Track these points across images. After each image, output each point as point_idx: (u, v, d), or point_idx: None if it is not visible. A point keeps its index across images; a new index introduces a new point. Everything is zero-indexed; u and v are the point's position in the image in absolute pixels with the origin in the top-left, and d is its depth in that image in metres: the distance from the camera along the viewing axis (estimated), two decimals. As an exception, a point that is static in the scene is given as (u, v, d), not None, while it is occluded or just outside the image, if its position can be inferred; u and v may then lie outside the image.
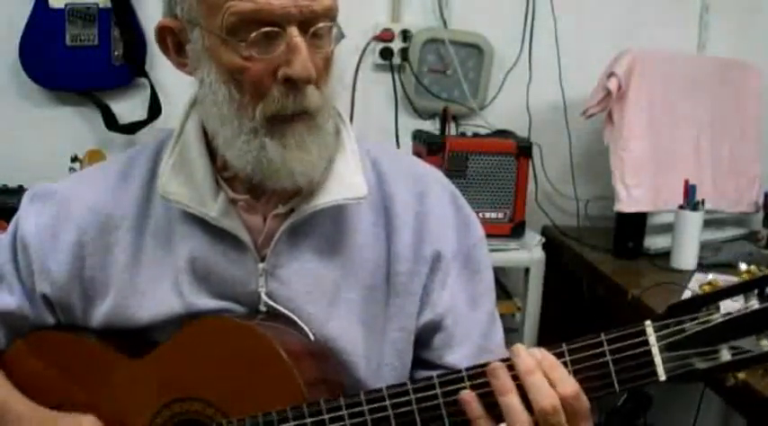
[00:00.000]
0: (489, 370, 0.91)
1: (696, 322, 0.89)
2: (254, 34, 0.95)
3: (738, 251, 2.25)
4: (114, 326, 1.10)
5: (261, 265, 1.07)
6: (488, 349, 1.13)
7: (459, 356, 1.12)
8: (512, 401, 0.89)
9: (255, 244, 1.08)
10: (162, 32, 1.05)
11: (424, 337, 1.13)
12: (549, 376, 0.89)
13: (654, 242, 2.25)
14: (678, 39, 2.56)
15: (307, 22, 0.97)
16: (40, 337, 1.14)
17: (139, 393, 1.06)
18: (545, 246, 2.30)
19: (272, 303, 1.07)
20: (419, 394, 0.94)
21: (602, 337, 0.91)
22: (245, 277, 1.08)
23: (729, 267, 2.12)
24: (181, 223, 1.08)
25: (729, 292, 0.89)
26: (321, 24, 0.98)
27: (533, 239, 2.29)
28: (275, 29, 0.95)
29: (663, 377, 0.89)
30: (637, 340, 0.90)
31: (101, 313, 1.11)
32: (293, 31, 0.96)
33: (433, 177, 1.18)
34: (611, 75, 2.22)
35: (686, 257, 2.11)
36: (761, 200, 2.41)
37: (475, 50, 2.46)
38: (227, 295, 1.08)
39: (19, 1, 2.26)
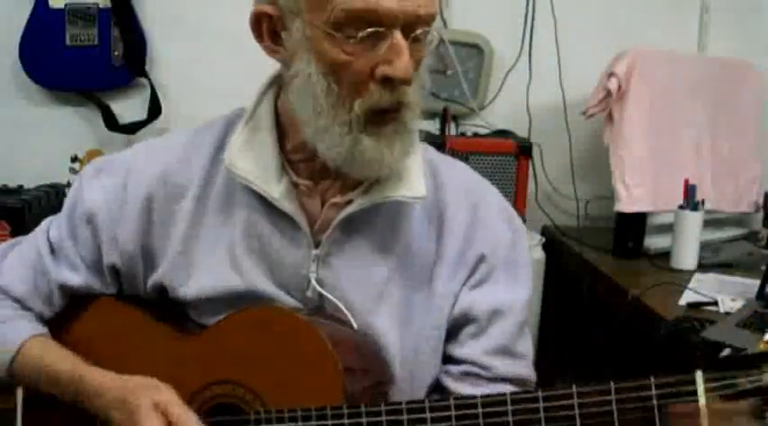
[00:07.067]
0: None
1: (749, 378, 0.88)
2: (361, 32, 0.97)
3: (738, 251, 2.25)
4: (163, 296, 1.12)
5: (314, 251, 1.09)
6: (512, 353, 1.14)
7: (480, 348, 1.12)
8: None
9: (312, 229, 1.10)
10: (258, 18, 1.05)
11: (453, 331, 1.14)
12: None
13: (654, 242, 2.25)
14: (678, 40, 2.56)
15: (409, 26, 0.99)
16: (89, 304, 1.15)
17: (183, 370, 1.07)
18: (545, 246, 2.30)
19: (320, 289, 1.09)
20: (484, 409, 0.97)
21: (652, 381, 0.92)
22: (299, 260, 1.09)
23: (729, 267, 2.13)
24: (241, 192, 1.10)
25: None
26: (420, 30, 1.00)
27: (533, 239, 2.29)
28: (382, 29, 0.97)
29: None
30: (685, 388, 0.90)
31: (153, 281, 1.12)
32: (398, 33, 0.98)
33: (488, 190, 1.21)
34: (611, 75, 2.22)
35: (686, 257, 2.11)
36: (761, 200, 2.41)
37: (475, 50, 2.46)
38: (279, 275, 1.10)
39: (19, 1, 2.27)
